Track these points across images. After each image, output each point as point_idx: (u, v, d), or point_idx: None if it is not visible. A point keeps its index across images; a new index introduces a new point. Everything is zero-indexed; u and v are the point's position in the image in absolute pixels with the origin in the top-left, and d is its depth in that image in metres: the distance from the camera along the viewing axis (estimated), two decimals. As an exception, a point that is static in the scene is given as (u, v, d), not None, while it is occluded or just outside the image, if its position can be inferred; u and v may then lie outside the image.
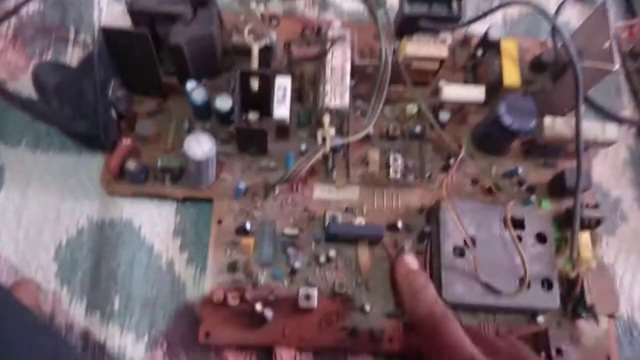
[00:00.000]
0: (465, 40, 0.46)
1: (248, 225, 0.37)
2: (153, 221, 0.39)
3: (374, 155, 0.41)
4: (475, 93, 0.41)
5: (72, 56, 0.44)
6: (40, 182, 0.39)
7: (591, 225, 0.40)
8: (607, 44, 0.39)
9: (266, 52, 0.40)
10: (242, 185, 0.38)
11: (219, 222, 0.38)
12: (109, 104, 0.36)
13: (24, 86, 0.42)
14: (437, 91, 0.43)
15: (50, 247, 0.38)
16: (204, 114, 0.40)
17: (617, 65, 0.38)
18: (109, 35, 0.34)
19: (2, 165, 0.40)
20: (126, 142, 0.37)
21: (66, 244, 0.38)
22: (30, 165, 0.40)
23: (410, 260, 0.37)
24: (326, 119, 0.38)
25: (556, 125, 0.39)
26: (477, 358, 0.30)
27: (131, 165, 0.36)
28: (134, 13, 0.37)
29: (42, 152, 0.40)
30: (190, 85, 0.38)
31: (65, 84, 0.34)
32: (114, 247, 0.38)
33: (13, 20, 0.44)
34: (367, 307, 0.36)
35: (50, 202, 0.39)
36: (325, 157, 0.40)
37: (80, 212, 0.39)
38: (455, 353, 0.30)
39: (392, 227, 0.39)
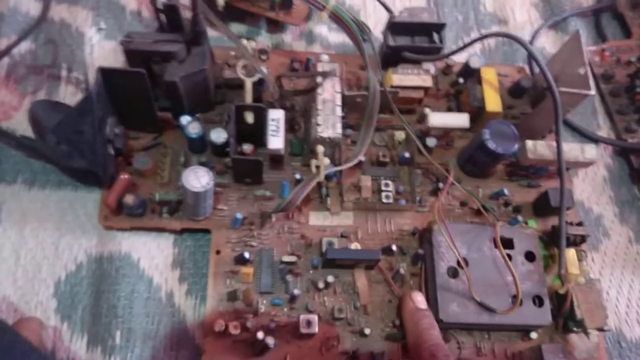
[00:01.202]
0: (447, 68, 0.48)
1: (247, 255, 0.37)
2: (151, 254, 0.39)
3: (366, 181, 0.42)
4: (460, 119, 0.43)
5: (66, 94, 0.44)
6: (38, 219, 0.40)
7: (576, 242, 0.42)
8: (582, 70, 0.41)
9: (258, 86, 0.41)
10: (240, 215, 0.39)
11: (218, 252, 0.39)
12: (107, 140, 0.37)
13: (18, 124, 0.42)
14: (422, 118, 0.44)
15: (50, 284, 0.38)
16: (199, 147, 0.41)
17: (593, 90, 0.40)
18: (107, 75, 0.35)
19: (-1, 204, 0.40)
20: (124, 177, 0.38)
21: (65, 280, 0.38)
22: (26, 203, 0.40)
23: (419, 299, 0.37)
24: (320, 148, 0.39)
25: (538, 148, 0.41)
26: None
27: (129, 199, 0.37)
28: (129, 52, 0.38)
29: (39, 189, 0.41)
30: (185, 119, 0.39)
31: (64, 123, 0.35)
32: (113, 281, 0.38)
33: (5, 60, 0.45)
34: (367, 331, 0.37)
35: (48, 239, 0.39)
36: (319, 185, 0.42)
37: (78, 247, 0.39)
38: None
39: (387, 251, 0.40)
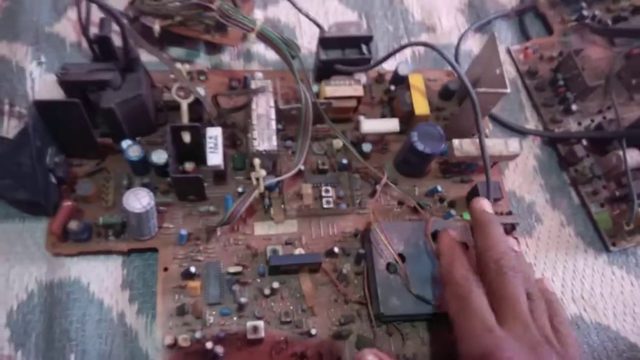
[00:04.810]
0: (380, 77, 0.51)
1: (193, 269, 0.39)
2: (101, 277, 0.40)
3: (307, 189, 0.44)
4: (391, 124, 0.45)
5: (9, 128, 0.45)
6: (-14, 252, 0.40)
7: (507, 230, 0.44)
8: (498, 70, 0.44)
9: (196, 106, 0.43)
10: (184, 232, 0.40)
11: (165, 269, 0.40)
12: (48, 170, 0.38)
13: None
14: (358, 125, 0.47)
15: (2, 314, 0.39)
16: (142, 169, 0.42)
17: (508, 89, 0.43)
18: (42, 107, 0.37)
19: (-54, 240, 0.40)
20: (66, 204, 0.39)
21: (17, 309, 0.39)
22: (-26, 237, 0.41)
23: (454, 234, 0.39)
24: (256, 161, 0.41)
25: (463, 146, 0.44)
26: (498, 334, 0.32)
27: (73, 225, 0.38)
28: (64, 84, 0.39)
29: (-14, 223, 0.41)
30: (125, 143, 0.41)
31: (2, 156, 0.36)
32: (64, 307, 0.39)
33: (-53, 98, 0.46)
34: (313, 331, 0.39)
35: (-2, 270, 0.40)
36: (261, 196, 0.43)
37: (28, 276, 0.40)
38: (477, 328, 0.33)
39: (330, 253, 0.42)
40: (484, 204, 0.39)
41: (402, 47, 0.45)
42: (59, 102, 0.37)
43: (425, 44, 0.44)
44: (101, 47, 0.40)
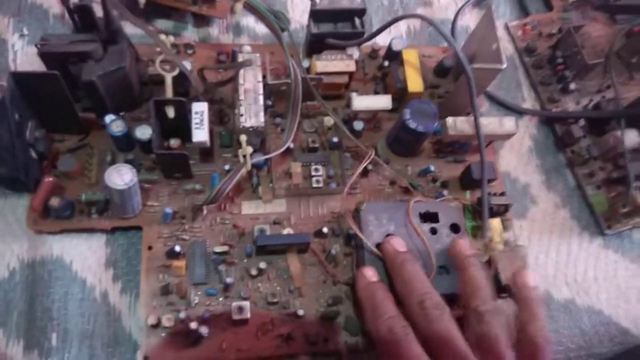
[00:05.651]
0: (374, 52, 0.49)
1: (177, 248, 0.38)
2: (83, 255, 0.40)
3: (296, 167, 0.43)
4: (382, 101, 0.44)
5: (-10, 101, 0.44)
6: (-34, 229, 0.39)
7: (500, 211, 0.43)
8: (494, 46, 0.42)
9: (182, 80, 0.41)
10: (169, 210, 0.39)
11: (150, 248, 0.39)
12: (27, 145, 0.37)
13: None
14: (350, 102, 0.45)
15: (-18, 292, 0.38)
16: (125, 144, 0.41)
17: (504, 65, 0.41)
18: (20, 79, 0.35)
19: None
20: (47, 180, 0.38)
21: (-2, 287, 0.38)
22: (-46, 214, 0.40)
23: (370, 273, 0.36)
24: (243, 138, 0.40)
25: (457, 124, 0.42)
26: None
27: (54, 201, 0.37)
28: (44, 55, 0.38)
29: (-34, 199, 0.40)
30: (108, 118, 0.39)
31: (-20, 131, 0.35)
32: (46, 285, 0.38)
33: None
34: (300, 312, 0.38)
35: (-22, 248, 0.39)
36: (250, 175, 0.42)
37: (10, 253, 0.39)
38: None
39: (319, 234, 0.41)
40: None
41: (396, 20, 0.43)
42: (37, 74, 0.36)
43: (419, 16, 0.42)
44: (82, 17, 0.38)
